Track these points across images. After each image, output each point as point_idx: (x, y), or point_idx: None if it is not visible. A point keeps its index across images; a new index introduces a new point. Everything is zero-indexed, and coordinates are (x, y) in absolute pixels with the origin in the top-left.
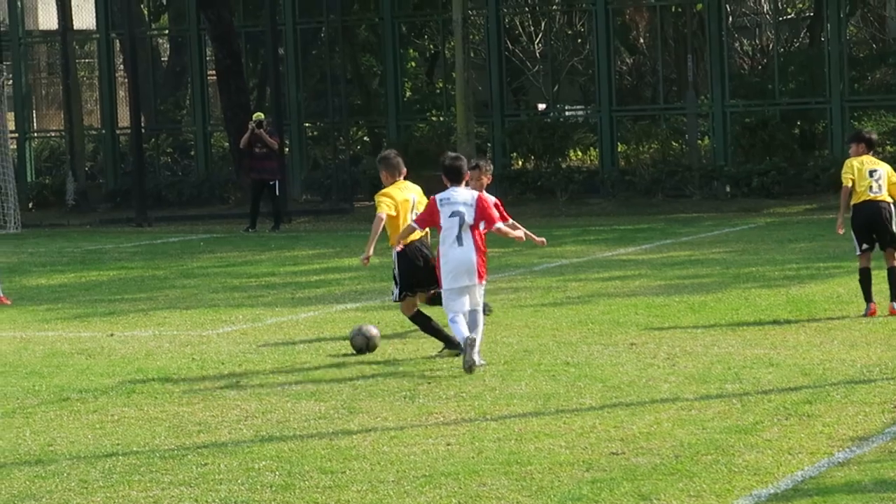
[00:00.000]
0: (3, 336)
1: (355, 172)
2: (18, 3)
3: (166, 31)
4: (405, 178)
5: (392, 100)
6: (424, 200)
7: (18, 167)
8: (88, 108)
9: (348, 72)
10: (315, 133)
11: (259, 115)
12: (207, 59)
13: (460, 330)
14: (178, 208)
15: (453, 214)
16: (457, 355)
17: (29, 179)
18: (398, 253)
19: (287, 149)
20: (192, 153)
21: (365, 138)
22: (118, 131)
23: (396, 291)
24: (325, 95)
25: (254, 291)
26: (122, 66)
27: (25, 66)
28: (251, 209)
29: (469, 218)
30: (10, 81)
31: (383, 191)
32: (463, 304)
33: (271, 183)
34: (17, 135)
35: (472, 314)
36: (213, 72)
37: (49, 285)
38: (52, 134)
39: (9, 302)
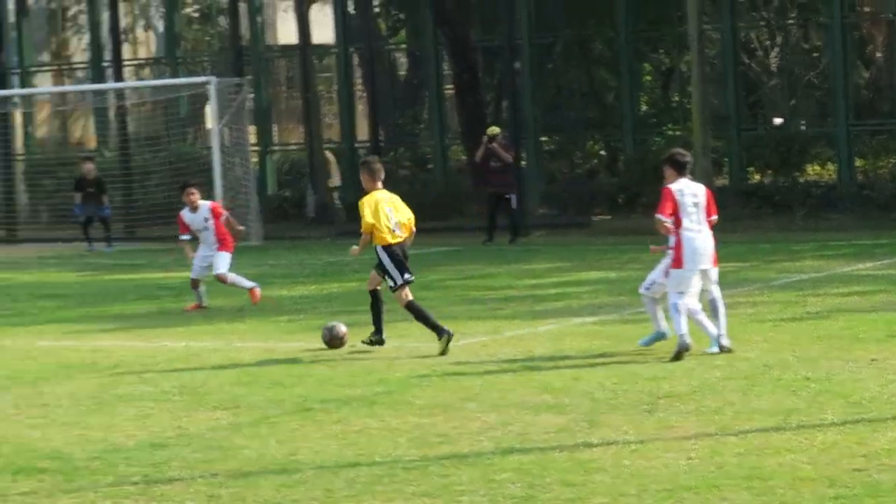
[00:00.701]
0: (247, 346)
1: (592, 186)
2: (259, 19)
3: (404, 46)
4: (382, 185)
5: (628, 113)
6: (399, 207)
7: (259, 180)
8: (327, 121)
9: (584, 85)
10: (551, 147)
11: (493, 130)
12: (445, 73)
13: (680, 322)
14: (417, 221)
15: (695, 204)
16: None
17: (270, 192)
18: (382, 247)
19: (524, 162)
20: (430, 166)
21: (601, 152)
22: (357, 144)
23: (398, 277)
24: (560, 109)
25: (492, 304)
26: (360, 80)
27: (266, 81)
28: (488, 222)
29: (704, 207)
30: (252, 95)
31: (364, 200)
32: (696, 284)
33: (507, 196)
34: (258, 148)
35: (712, 302)
36: (451, 86)
37: (290, 296)
38: (292, 147)
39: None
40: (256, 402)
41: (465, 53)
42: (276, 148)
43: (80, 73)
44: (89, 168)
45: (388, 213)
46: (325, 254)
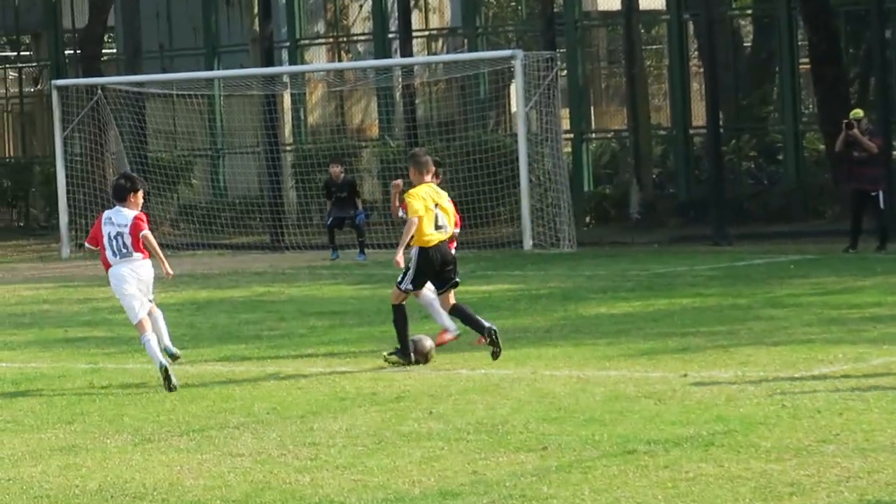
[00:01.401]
0: (558, 375)
1: None
2: None
3: (749, 11)
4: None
5: None
6: (444, 204)
7: (574, 174)
8: (656, 103)
9: None
10: None
11: (857, 113)
12: (799, 43)
13: None
14: (763, 224)
15: None
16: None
17: (585, 189)
18: (420, 248)
19: (895, 152)
20: (780, 157)
21: None
22: (692, 131)
23: (408, 282)
24: None
25: (855, 325)
26: (696, 53)
27: (582, 55)
28: (852, 225)
29: None
30: (565, 72)
31: (412, 192)
32: None
33: (873, 194)
34: (572, 135)
35: None
36: (806, 59)
37: (610, 315)
38: (613, 134)
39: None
40: (568, 442)
41: (823, 19)
42: (594, 135)
43: (360, 47)
44: (337, 172)
45: (435, 212)
46: (652, 263)
